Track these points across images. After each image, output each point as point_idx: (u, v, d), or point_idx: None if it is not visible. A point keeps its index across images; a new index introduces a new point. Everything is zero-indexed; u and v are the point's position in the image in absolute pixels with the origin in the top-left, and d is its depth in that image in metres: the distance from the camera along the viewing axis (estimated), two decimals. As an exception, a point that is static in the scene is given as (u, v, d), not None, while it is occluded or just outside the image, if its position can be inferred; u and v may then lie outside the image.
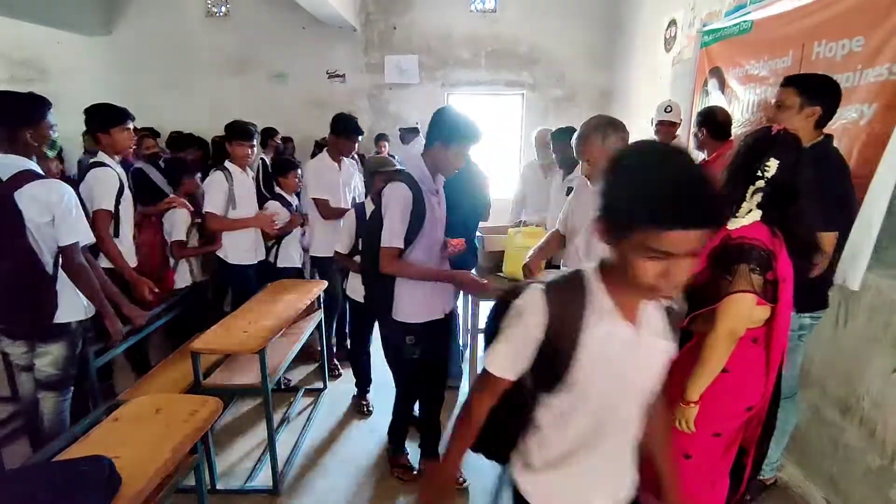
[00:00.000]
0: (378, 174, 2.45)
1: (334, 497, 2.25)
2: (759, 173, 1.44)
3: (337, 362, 3.38)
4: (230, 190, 2.88)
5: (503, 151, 6.36)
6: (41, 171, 1.90)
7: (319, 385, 3.14)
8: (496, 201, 3.09)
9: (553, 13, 5.73)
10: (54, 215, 1.85)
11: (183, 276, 2.93)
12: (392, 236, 1.87)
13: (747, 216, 1.45)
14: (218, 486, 2.24)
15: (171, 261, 2.92)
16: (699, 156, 2.97)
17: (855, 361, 2.00)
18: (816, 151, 1.80)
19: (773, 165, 1.43)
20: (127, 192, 2.53)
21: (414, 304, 2.00)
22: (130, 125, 2.53)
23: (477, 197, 2.82)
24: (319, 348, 3.19)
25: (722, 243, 1.45)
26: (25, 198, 1.79)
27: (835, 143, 1.92)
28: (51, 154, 2.07)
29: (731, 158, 1.54)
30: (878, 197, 1.82)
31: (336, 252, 2.74)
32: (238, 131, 2.93)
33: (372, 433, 2.70)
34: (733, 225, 1.45)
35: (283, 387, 3.11)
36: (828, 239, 1.80)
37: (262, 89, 6.15)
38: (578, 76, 5.92)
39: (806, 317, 1.91)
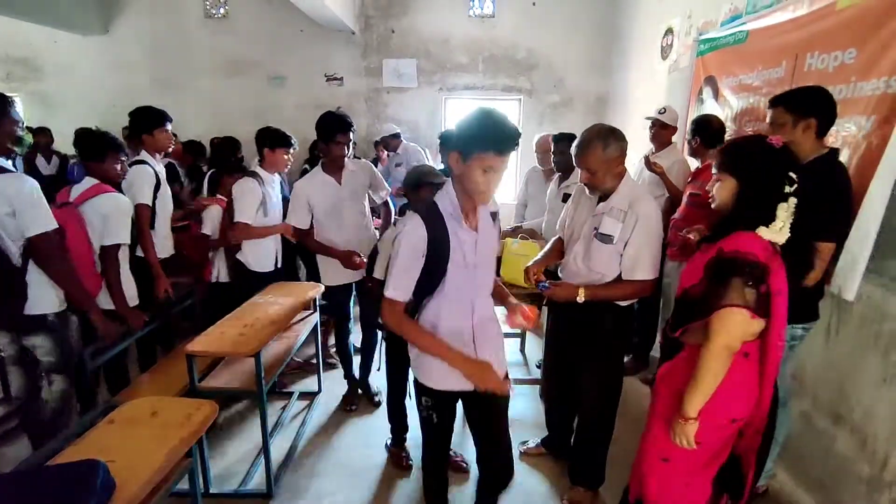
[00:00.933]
0: (423, 187, 2.08)
1: (327, 501, 2.24)
2: (788, 188, 1.41)
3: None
4: (263, 197, 2.81)
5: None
6: (9, 167, 1.94)
7: (314, 388, 3.14)
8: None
9: (551, 19, 5.77)
10: (14, 207, 1.87)
11: (216, 273, 3.04)
12: (393, 285, 1.47)
13: (780, 231, 1.41)
14: (212, 490, 2.24)
15: (210, 255, 3.07)
16: (693, 163, 3.01)
17: (846, 370, 2.02)
18: (822, 164, 1.82)
19: (795, 180, 1.42)
20: (165, 188, 2.77)
21: (430, 366, 1.60)
22: (169, 126, 2.81)
23: None
24: (315, 360, 3.20)
25: (716, 256, 1.44)
26: None
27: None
28: (19, 150, 2.07)
29: (751, 174, 1.45)
30: (874, 208, 1.84)
31: (373, 279, 2.32)
32: (278, 138, 2.85)
33: (366, 437, 2.70)
34: (769, 236, 1.41)
35: (277, 390, 3.11)
36: (825, 249, 1.82)
37: (260, 91, 6.15)
38: (575, 82, 5.95)
39: (798, 328, 1.93)
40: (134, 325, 2.37)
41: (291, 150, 2.94)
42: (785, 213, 1.41)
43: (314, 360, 3.23)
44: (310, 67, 6.07)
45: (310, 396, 3.09)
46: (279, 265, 3.06)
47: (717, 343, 1.38)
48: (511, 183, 6.25)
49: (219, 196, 3.18)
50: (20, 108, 2.47)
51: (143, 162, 2.67)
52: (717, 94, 3.22)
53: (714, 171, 1.55)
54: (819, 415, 2.17)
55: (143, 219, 2.58)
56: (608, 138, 1.84)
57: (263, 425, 2.21)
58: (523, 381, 3.29)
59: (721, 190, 1.52)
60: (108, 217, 2.25)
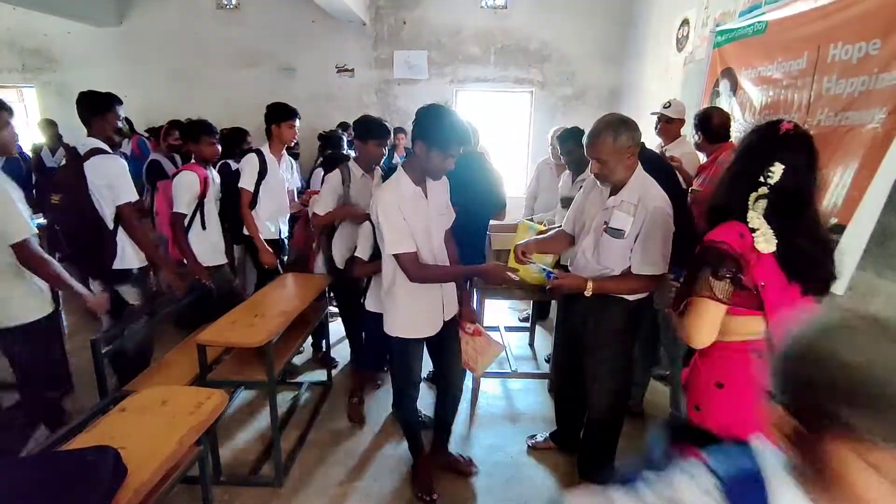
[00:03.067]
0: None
1: (336, 491, 2.26)
2: (762, 179, 1.30)
3: None
4: (346, 192, 2.65)
5: (512, 149, 6.35)
6: (107, 149, 2.42)
7: (324, 379, 3.15)
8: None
9: (564, 10, 5.69)
10: (110, 181, 2.35)
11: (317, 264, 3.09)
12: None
13: (765, 238, 1.28)
14: (222, 478, 2.26)
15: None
16: (702, 158, 2.93)
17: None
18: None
19: (777, 171, 1.28)
20: (272, 176, 3.01)
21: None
22: (297, 122, 3.06)
23: (490, 195, 2.78)
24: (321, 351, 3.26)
25: (700, 245, 1.38)
26: (90, 166, 2.33)
27: (845, 147, 1.99)
28: (117, 138, 2.57)
29: (732, 159, 1.41)
30: (871, 205, 1.84)
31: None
32: (376, 128, 2.60)
33: (374, 428, 2.71)
34: (766, 250, 1.29)
35: (287, 380, 3.13)
36: None
37: (271, 82, 6.15)
38: (588, 74, 5.88)
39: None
40: (201, 278, 2.86)
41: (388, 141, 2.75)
42: (753, 203, 1.30)
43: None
44: (321, 58, 6.06)
45: (319, 386, 3.10)
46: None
47: (685, 325, 1.35)
48: (521, 176, 6.22)
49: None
50: (35, 99, 2.78)
51: (257, 151, 2.99)
52: (734, 87, 3.15)
53: None
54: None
55: (241, 200, 2.95)
56: (619, 128, 1.80)
57: (273, 415, 2.22)
58: (532, 376, 3.28)
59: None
60: (174, 190, 2.76)
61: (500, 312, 4.31)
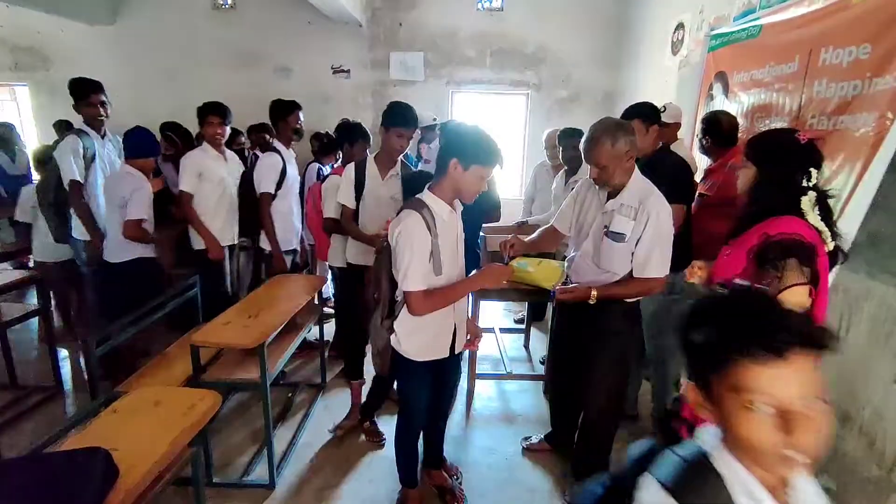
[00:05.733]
0: None
1: (329, 494, 2.25)
2: (806, 183, 1.46)
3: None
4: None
5: (507, 151, 6.36)
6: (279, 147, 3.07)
7: (318, 381, 3.14)
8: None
9: (560, 13, 5.71)
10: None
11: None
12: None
13: (828, 238, 1.48)
14: (214, 480, 2.24)
15: None
16: (705, 161, 2.94)
17: (856, 369, 2.00)
18: (659, 153, 2.42)
19: (814, 176, 1.47)
20: (371, 192, 2.59)
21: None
22: (405, 132, 2.45)
23: (481, 195, 2.77)
24: (318, 344, 3.18)
25: (762, 242, 1.46)
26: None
27: (838, 152, 2.03)
28: (296, 138, 3.11)
29: (763, 167, 1.55)
30: (860, 205, 1.93)
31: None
32: (487, 152, 1.70)
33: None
34: (830, 247, 1.48)
35: (281, 382, 3.11)
36: (676, 210, 2.07)
37: (267, 83, 6.11)
38: (584, 77, 5.90)
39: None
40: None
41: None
42: (809, 206, 1.46)
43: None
44: (316, 59, 6.05)
45: (313, 388, 3.09)
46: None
47: None
48: (517, 178, 6.23)
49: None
50: (27, 98, 2.67)
51: (359, 162, 2.62)
52: (727, 91, 3.17)
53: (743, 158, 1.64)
54: (827, 415, 2.14)
55: (343, 216, 2.70)
56: (617, 133, 1.80)
57: (267, 417, 2.21)
58: (527, 377, 3.28)
59: (742, 177, 1.62)
60: (324, 194, 2.79)
61: (495, 314, 4.32)
